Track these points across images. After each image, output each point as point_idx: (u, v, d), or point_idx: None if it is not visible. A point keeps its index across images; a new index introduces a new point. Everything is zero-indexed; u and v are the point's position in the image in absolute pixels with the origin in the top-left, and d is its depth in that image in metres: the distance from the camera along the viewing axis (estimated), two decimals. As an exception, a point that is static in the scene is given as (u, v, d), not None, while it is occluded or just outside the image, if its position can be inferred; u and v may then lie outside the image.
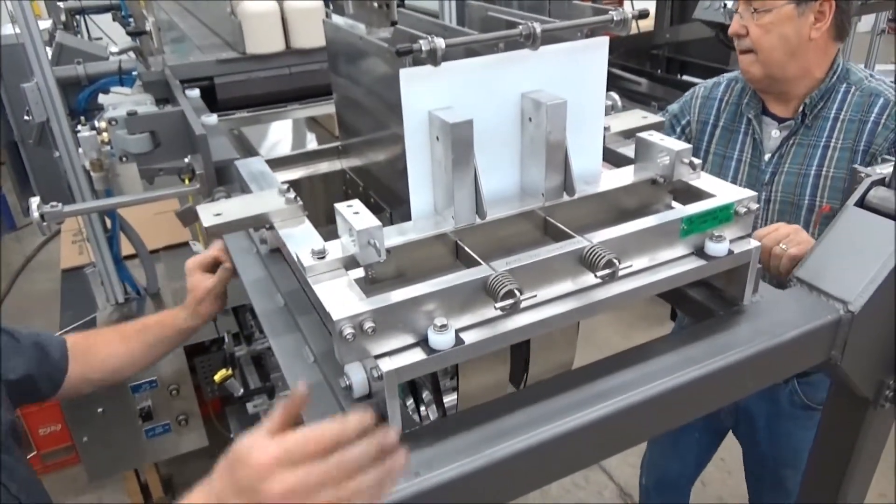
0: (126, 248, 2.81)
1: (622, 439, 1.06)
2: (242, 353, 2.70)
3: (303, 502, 0.77)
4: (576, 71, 1.14)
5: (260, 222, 1.16)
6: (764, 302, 1.17)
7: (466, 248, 1.05)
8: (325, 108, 2.48)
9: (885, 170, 1.24)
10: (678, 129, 2.20)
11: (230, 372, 2.51)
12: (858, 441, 1.28)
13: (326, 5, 2.56)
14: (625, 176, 1.23)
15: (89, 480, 2.81)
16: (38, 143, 2.46)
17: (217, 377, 2.49)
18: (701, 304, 1.22)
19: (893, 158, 1.25)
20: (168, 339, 1.55)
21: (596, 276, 1.00)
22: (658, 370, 1.03)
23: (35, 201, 1.61)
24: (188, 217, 1.64)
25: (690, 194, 1.19)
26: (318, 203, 1.59)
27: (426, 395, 1.39)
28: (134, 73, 2.42)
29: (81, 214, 2.50)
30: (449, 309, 0.93)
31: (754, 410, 2.27)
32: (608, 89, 1.24)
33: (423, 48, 0.97)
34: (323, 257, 0.99)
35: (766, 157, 2.02)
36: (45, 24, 3.26)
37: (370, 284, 1.03)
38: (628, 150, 1.31)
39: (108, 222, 2.69)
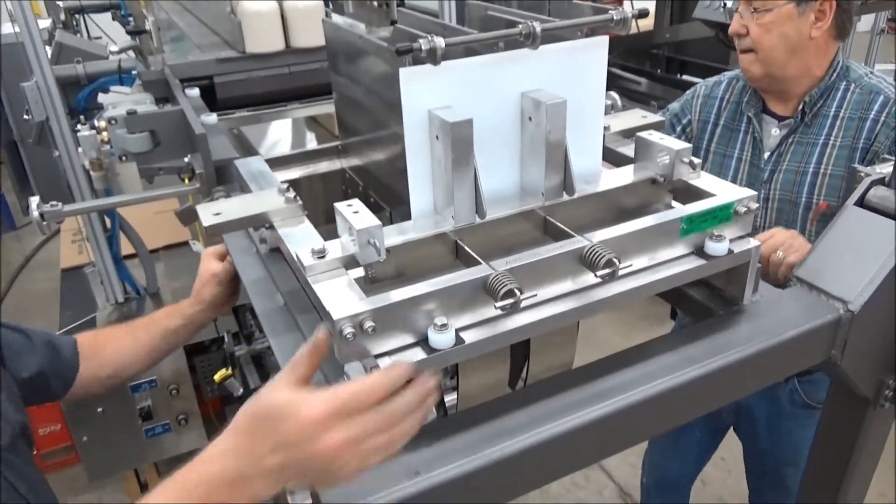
0: (126, 247, 2.80)
1: (622, 439, 1.05)
2: (242, 353, 2.70)
3: (355, 452, 0.80)
4: (576, 70, 1.14)
5: (259, 222, 1.16)
6: (764, 301, 1.17)
7: (466, 248, 1.05)
8: (325, 108, 2.48)
9: (884, 169, 1.24)
10: (679, 129, 2.20)
11: (230, 371, 2.51)
12: (858, 440, 1.28)
13: (326, 4, 2.56)
14: (625, 175, 1.23)
15: (89, 480, 2.81)
16: (38, 143, 2.46)
17: (217, 377, 2.49)
18: (701, 304, 1.21)
19: (894, 157, 1.25)
20: (175, 329, 1.55)
21: (596, 275, 0.99)
22: (658, 370, 1.03)
23: (35, 201, 1.61)
24: (188, 216, 1.64)
25: (690, 194, 1.19)
26: (318, 202, 1.59)
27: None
28: (133, 72, 2.42)
29: (81, 214, 2.50)
30: (449, 308, 0.93)
31: (755, 409, 2.28)
32: (608, 89, 1.24)
33: (423, 47, 0.96)
34: (323, 257, 0.99)
35: (766, 155, 2.02)
36: (45, 23, 3.25)
37: (370, 284, 1.03)
38: (628, 150, 1.31)
39: (108, 222, 2.69)
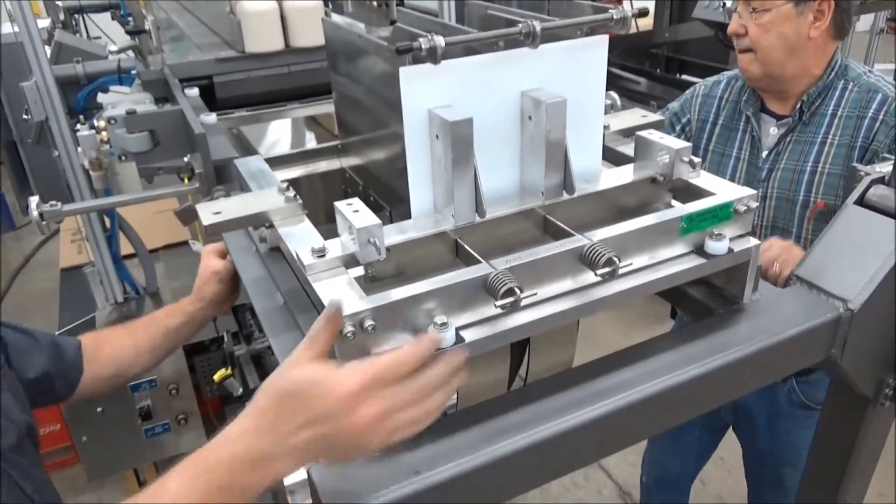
0: (125, 247, 2.80)
1: (622, 437, 1.05)
2: (242, 353, 2.70)
3: (385, 426, 0.81)
4: (575, 69, 1.14)
5: (259, 221, 1.16)
6: (764, 300, 1.17)
7: (466, 247, 1.05)
8: (325, 108, 2.48)
9: (884, 168, 1.24)
10: (678, 128, 2.20)
11: (229, 371, 2.51)
12: (858, 440, 1.28)
13: (326, 4, 2.55)
14: (624, 174, 1.23)
15: (89, 480, 2.81)
16: (37, 143, 2.46)
17: (216, 377, 2.49)
18: (701, 303, 1.21)
19: (894, 156, 1.25)
20: (176, 328, 1.55)
21: (596, 274, 0.99)
22: (658, 368, 1.02)
23: (34, 200, 1.61)
24: (187, 216, 1.64)
25: (690, 192, 1.19)
26: (318, 202, 1.60)
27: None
28: (133, 71, 2.42)
29: (80, 213, 2.49)
30: (449, 307, 0.93)
31: (753, 409, 2.28)
32: (607, 89, 1.24)
33: (423, 46, 0.96)
34: (323, 255, 0.99)
35: (764, 154, 2.02)
36: (44, 22, 3.25)
37: (370, 283, 1.03)
38: (628, 149, 1.32)
39: (108, 221, 2.69)
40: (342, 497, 0.85)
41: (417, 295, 0.90)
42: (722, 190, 1.15)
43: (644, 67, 4.97)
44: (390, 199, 1.36)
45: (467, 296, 0.94)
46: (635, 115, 1.45)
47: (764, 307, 1.16)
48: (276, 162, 1.64)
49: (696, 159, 1.18)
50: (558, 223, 1.11)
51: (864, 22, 5.03)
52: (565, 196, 1.14)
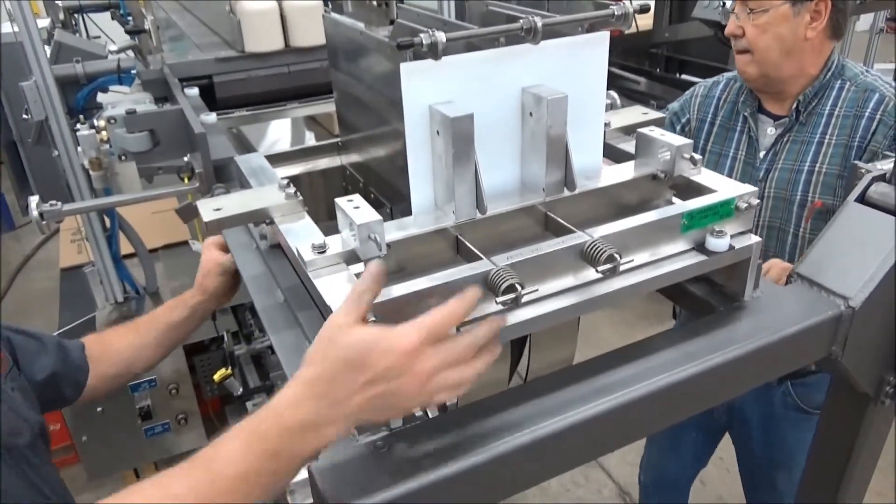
0: (125, 246, 2.80)
1: (622, 435, 1.05)
2: (242, 352, 2.70)
3: (436, 381, 0.83)
4: (576, 66, 1.14)
5: (260, 217, 1.16)
6: (764, 298, 1.17)
7: (467, 243, 1.05)
8: (325, 107, 2.48)
9: (885, 165, 1.24)
10: (678, 128, 2.21)
11: (229, 371, 2.51)
12: (859, 438, 1.28)
13: (325, 4, 2.55)
14: (625, 171, 1.23)
15: (88, 480, 2.81)
16: (37, 142, 2.46)
17: (216, 376, 2.49)
18: (701, 300, 1.21)
19: (894, 154, 1.25)
20: (179, 322, 1.56)
21: (597, 270, 0.99)
22: (658, 366, 1.02)
23: (34, 200, 1.61)
24: (188, 213, 1.64)
25: (691, 189, 1.19)
26: (318, 199, 1.59)
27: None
28: (133, 71, 2.42)
29: (80, 213, 2.50)
30: (450, 303, 0.93)
31: (748, 411, 2.28)
32: (607, 88, 1.24)
33: (424, 42, 0.96)
34: (323, 252, 0.99)
35: (761, 154, 2.02)
36: (44, 22, 3.25)
37: (371, 279, 1.03)
38: (629, 146, 1.31)
39: (107, 221, 2.69)
40: (342, 496, 0.84)
41: (418, 291, 0.90)
42: (723, 187, 1.15)
43: (644, 67, 4.98)
44: (391, 196, 1.36)
45: (468, 292, 0.94)
46: (636, 113, 1.45)
47: (765, 304, 1.15)
48: (276, 159, 1.64)
49: (697, 156, 1.18)
50: (559, 220, 1.11)
51: (863, 22, 5.03)
52: (566, 193, 1.14)
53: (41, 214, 1.60)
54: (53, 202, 1.62)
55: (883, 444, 1.33)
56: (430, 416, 1.32)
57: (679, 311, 2.46)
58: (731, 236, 1.11)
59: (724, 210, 1.11)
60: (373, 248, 0.96)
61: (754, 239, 1.13)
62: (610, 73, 1.18)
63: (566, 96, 1.06)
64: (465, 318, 0.87)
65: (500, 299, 0.92)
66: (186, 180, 1.86)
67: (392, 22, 1.35)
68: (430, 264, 1.04)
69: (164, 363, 2.65)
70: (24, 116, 2.41)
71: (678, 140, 1.18)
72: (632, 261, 1.04)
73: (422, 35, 0.97)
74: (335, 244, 1.00)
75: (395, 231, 1.04)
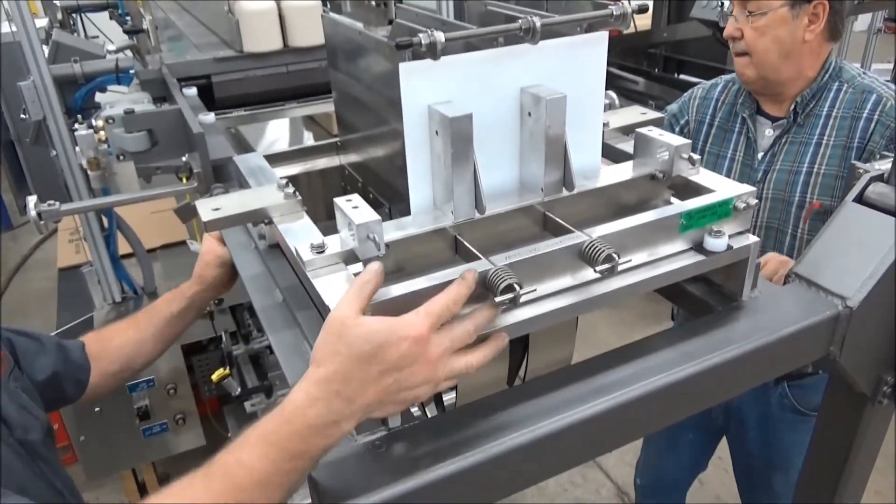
0: (123, 246, 2.80)
1: (620, 435, 1.05)
2: (240, 353, 2.71)
3: (446, 365, 0.86)
4: (575, 66, 1.14)
5: (258, 217, 1.16)
6: (762, 297, 1.17)
7: (466, 243, 1.05)
8: (323, 107, 2.48)
9: (883, 166, 1.24)
10: (677, 129, 2.22)
11: (228, 371, 2.51)
12: (856, 438, 1.28)
13: (324, 4, 2.55)
14: (624, 171, 1.23)
15: (87, 479, 2.80)
16: (35, 142, 2.46)
17: (214, 376, 2.50)
18: (699, 300, 1.21)
19: (892, 155, 1.25)
20: (178, 314, 1.56)
21: (595, 270, 0.99)
22: (657, 365, 1.02)
23: (32, 200, 1.61)
24: (186, 213, 1.64)
25: (689, 189, 1.19)
26: (317, 199, 1.59)
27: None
28: (131, 71, 2.42)
29: (78, 213, 2.49)
30: (448, 303, 0.93)
31: (745, 412, 2.28)
32: (606, 88, 1.24)
33: (423, 42, 0.96)
34: (322, 251, 0.98)
35: (759, 155, 2.03)
36: (42, 22, 3.25)
37: (369, 279, 1.03)
38: (627, 146, 1.31)
39: (105, 221, 2.69)
40: (341, 496, 0.84)
41: (417, 290, 0.90)
42: (721, 187, 1.15)
43: (642, 67, 4.99)
44: (390, 196, 1.36)
45: (466, 292, 0.94)
46: (635, 113, 1.45)
47: (763, 304, 1.15)
48: (275, 159, 1.64)
49: (696, 156, 1.18)
50: (558, 220, 1.11)
51: (861, 22, 5.04)
52: (565, 193, 1.14)
53: (39, 214, 1.60)
54: (51, 202, 1.62)
55: (881, 443, 1.34)
56: (429, 415, 1.33)
57: (677, 313, 2.46)
58: (730, 236, 1.11)
59: (723, 210, 1.11)
60: (371, 248, 0.96)
61: (752, 239, 1.13)
62: (608, 73, 1.18)
63: (565, 96, 1.06)
64: (468, 296, 0.88)
65: (498, 299, 0.92)
66: (185, 180, 1.86)
67: (391, 22, 1.35)
68: (429, 264, 1.04)
69: (162, 363, 2.66)
70: (22, 116, 2.41)
71: (676, 140, 1.18)
72: (630, 261, 1.04)
73: (420, 35, 0.97)
74: (334, 244, 1.00)
75: (393, 231, 1.04)
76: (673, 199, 1.23)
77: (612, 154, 1.35)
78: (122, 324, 1.57)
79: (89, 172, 2.01)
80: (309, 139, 2.50)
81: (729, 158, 2.10)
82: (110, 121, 1.86)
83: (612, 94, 1.55)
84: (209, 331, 2.64)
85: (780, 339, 1.08)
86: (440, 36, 0.97)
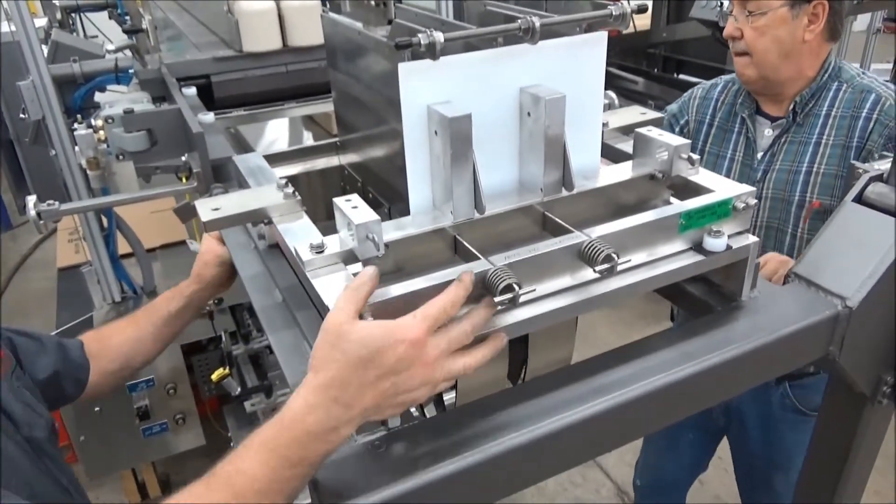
0: (123, 246, 2.80)
1: (620, 435, 1.05)
2: (240, 352, 2.70)
3: (443, 367, 0.86)
4: (574, 66, 1.14)
5: (258, 217, 1.16)
6: (762, 297, 1.17)
7: (465, 243, 1.05)
8: (323, 107, 2.48)
9: (883, 166, 1.24)
10: (677, 129, 2.22)
11: (227, 371, 2.51)
12: (856, 438, 1.28)
13: (323, 3, 2.55)
14: (623, 171, 1.23)
15: (87, 479, 2.80)
16: (34, 142, 2.46)
17: (214, 376, 2.49)
18: (699, 300, 1.21)
19: (891, 154, 1.25)
20: (177, 312, 1.56)
21: (595, 270, 0.99)
22: (656, 365, 1.02)
23: (31, 200, 1.61)
24: (186, 213, 1.64)
25: (689, 189, 1.19)
26: (317, 199, 1.59)
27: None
28: (130, 71, 2.42)
29: (78, 213, 2.49)
30: (447, 303, 0.93)
31: (746, 412, 2.28)
32: (605, 88, 1.24)
33: (422, 42, 0.96)
34: (321, 251, 0.98)
35: (759, 155, 2.03)
36: (41, 21, 3.24)
37: (368, 279, 1.03)
38: (626, 146, 1.31)
39: (105, 221, 2.69)
40: (341, 496, 0.85)
41: (416, 290, 0.90)
42: (720, 187, 1.15)
43: (641, 67, 4.99)
44: (389, 197, 1.36)
45: (466, 292, 0.94)
46: (634, 113, 1.45)
47: (762, 304, 1.15)
48: (274, 159, 1.64)
49: (695, 156, 1.18)
50: (557, 220, 1.11)
51: (860, 22, 5.04)
52: (564, 193, 1.14)
53: (39, 214, 1.60)
54: (51, 202, 1.62)
55: (880, 443, 1.34)
56: (428, 415, 1.33)
57: (676, 314, 2.46)
58: (729, 236, 1.11)
59: (722, 210, 1.11)
60: (371, 248, 0.96)
61: (752, 239, 1.12)
62: (608, 73, 1.18)
63: (564, 96, 1.06)
64: (465, 298, 0.88)
65: (497, 299, 0.92)
66: (184, 180, 1.85)
67: (390, 22, 1.35)
68: (428, 264, 1.04)
69: (162, 362, 2.66)
70: (22, 116, 2.41)
71: (676, 140, 1.18)
72: (629, 261, 1.04)
73: (420, 35, 0.97)
74: (333, 244, 1.00)
75: (392, 231, 1.04)
76: (672, 199, 1.23)
77: (611, 154, 1.35)
78: (121, 322, 1.57)
79: (89, 172, 2.01)
80: (308, 139, 2.50)
81: (728, 158, 2.10)
82: (110, 120, 1.86)
83: (612, 94, 1.55)
84: (209, 330, 2.64)
85: (779, 339, 1.08)
86: (439, 36, 0.97)
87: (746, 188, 1.13)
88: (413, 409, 1.39)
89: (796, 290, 1.18)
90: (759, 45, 1.89)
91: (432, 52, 0.98)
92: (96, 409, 2.60)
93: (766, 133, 2.03)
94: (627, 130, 1.37)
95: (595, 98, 1.20)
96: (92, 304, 2.85)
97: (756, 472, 2.37)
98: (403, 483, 0.85)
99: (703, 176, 1.20)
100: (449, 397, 1.32)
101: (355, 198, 1.00)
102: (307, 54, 2.58)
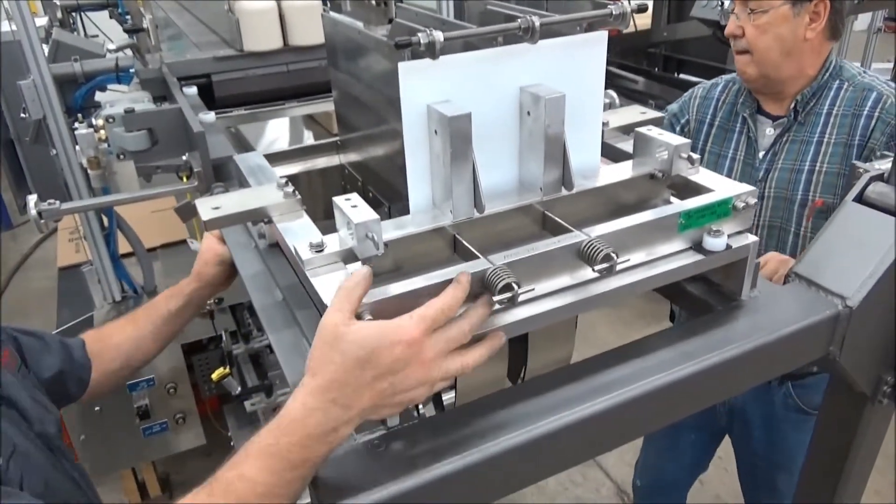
0: (123, 246, 2.80)
1: (620, 434, 1.05)
2: (240, 352, 2.70)
3: (441, 367, 0.86)
4: (574, 65, 1.13)
5: (258, 216, 1.16)
6: (762, 297, 1.17)
7: (464, 242, 1.05)
8: (323, 106, 2.48)
9: (883, 165, 1.24)
10: (677, 129, 2.22)
11: (228, 370, 2.51)
12: (856, 438, 1.28)
13: (324, 3, 2.55)
14: (623, 171, 1.23)
15: (86, 479, 2.80)
16: (35, 141, 2.46)
17: (214, 375, 2.49)
18: (699, 299, 1.21)
19: (892, 153, 1.25)
20: (177, 311, 1.56)
21: (594, 269, 0.99)
22: (656, 365, 1.02)
23: (32, 199, 1.61)
24: (187, 212, 1.64)
25: (689, 189, 1.19)
26: (317, 198, 1.59)
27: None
28: (131, 70, 2.42)
29: (78, 212, 2.50)
30: (447, 302, 0.93)
31: (749, 412, 2.28)
32: (605, 87, 1.24)
33: (422, 41, 0.96)
34: (321, 250, 0.98)
35: (761, 154, 2.03)
36: (42, 21, 3.25)
37: (368, 278, 1.03)
38: (627, 146, 1.31)
39: (105, 220, 2.69)
40: (340, 495, 0.84)
41: (415, 290, 0.90)
42: (720, 186, 1.15)
43: (642, 66, 4.98)
44: (389, 196, 1.36)
45: (465, 291, 0.94)
46: (634, 112, 1.45)
47: (762, 304, 1.15)
48: (275, 158, 1.64)
49: (695, 156, 1.18)
50: (556, 219, 1.11)
51: (861, 21, 5.04)
52: (564, 192, 1.14)
53: (39, 213, 1.60)
54: (51, 201, 1.62)
55: (881, 443, 1.33)
56: (427, 415, 1.33)
57: (677, 315, 2.46)
58: (729, 236, 1.11)
59: (722, 209, 1.11)
60: (370, 247, 0.96)
61: (751, 238, 1.12)
62: (608, 73, 1.18)
63: (564, 96, 1.06)
64: (462, 300, 0.88)
65: (496, 298, 0.92)
66: (185, 179, 1.86)
67: (391, 21, 1.35)
68: (428, 263, 1.04)
69: (162, 362, 2.66)
70: (22, 115, 2.41)
71: (676, 139, 1.18)
72: (628, 260, 1.04)
73: (419, 34, 0.97)
74: (333, 243, 1.00)
75: (392, 230, 1.04)
76: (672, 199, 1.23)
77: (611, 153, 1.34)
78: (120, 321, 1.58)
79: (89, 171, 2.01)
80: (309, 138, 2.50)
81: (730, 158, 2.10)
82: (110, 120, 1.86)
83: (613, 93, 1.55)
84: (209, 330, 2.64)
85: (779, 339, 1.08)
86: (439, 35, 0.97)
87: (746, 188, 1.13)
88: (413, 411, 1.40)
89: (796, 289, 1.18)
90: (761, 44, 1.89)
91: (432, 51, 0.98)
92: (96, 408, 2.61)
93: (768, 132, 2.03)
94: (628, 130, 1.37)
95: (595, 97, 1.20)
96: (92, 304, 2.85)
97: (759, 472, 2.37)
98: (402, 482, 0.85)
99: (703, 175, 1.20)
100: (448, 397, 1.32)
101: (355, 197, 1.00)
102: (308, 53, 2.58)
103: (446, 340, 0.86)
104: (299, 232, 1.08)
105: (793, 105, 1.96)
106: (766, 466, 2.33)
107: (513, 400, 0.98)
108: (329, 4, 2.55)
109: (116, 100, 2.04)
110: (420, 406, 1.36)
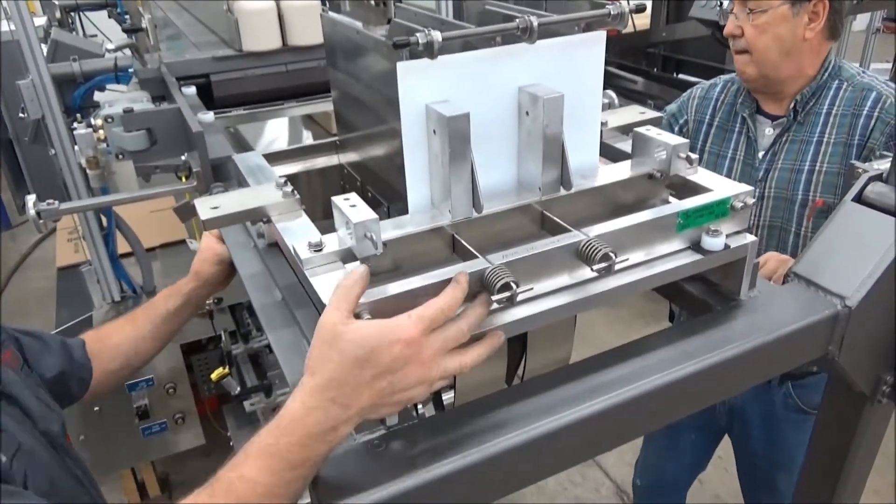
0: (122, 245, 2.80)
1: (619, 434, 1.05)
2: (239, 352, 2.70)
3: (439, 366, 0.86)
4: (573, 65, 1.14)
5: (257, 216, 1.16)
6: (761, 297, 1.17)
7: (463, 242, 1.05)
8: (322, 106, 2.48)
9: (882, 165, 1.24)
10: (676, 129, 2.22)
11: (227, 370, 2.51)
12: (855, 437, 1.28)
13: (323, 3, 2.55)
14: (622, 170, 1.23)
15: (86, 479, 2.80)
16: (34, 141, 2.46)
17: (214, 375, 2.49)
18: (697, 299, 1.21)
19: (891, 153, 1.25)
20: (176, 310, 1.56)
21: (592, 269, 0.99)
22: (655, 364, 1.02)
23: (31, 199, 1.61)
24: (186, 212, 1.64)
25: (687, 189, 1.19)
26: (316, 198, 1.59)
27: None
28: (130, 70, 2.42)
29: (77, 212, 2.50)
30: (446, 302, 0.92)
31: (749, 412, 2.28)
32: (604, 88, 1.24)
33: (420, 41, 0.96)
34: (320, 250, 0.98)
35: (760, 154, 2.03)
36: (40, 20, 3.25)
37: (367, 278, 1.03)
38: (625, 146, 1.31)
39: (104, 220, 2.69)
40: (340, 494, 0.84)
41: (414, 289, 0.90)
42: (719, 186, 1.15)
43: (641, 66, 4.98)
44: (388, 196, 1.36)
45: (463, 291, 0.94)
46: (633, 112, 1.45)
47: (761, 304, 1.15)
48: (274, 158, 1.64)
49: (694, 156, 1.18)
50: (555, 219, 1.11)
51: (860, 21, 5.04)
52: (562, 192, 1.14)
53: (38, 213, 1.60)
54: (50, 201, 1.62)
55: (880, 443, 1.34)
56: (427, 415, 1.33)
57: (675, 314, 2.46)
58: (727, 235, 1.11)
59: (720, 209, 1.11)
60: (369, 247, 0.96)
61: (750, 238, 1.12)
62: (607, 73, 1.18)
63: (562, 95, 1.06)
64: (461, 301, 0.88)
65: (495, 298, 0.92)
66: (184, 179, 1.85)
67: (389, 21, 1.35)
68: (427, 263, 1.04)
69: (162, 362, 2.66)
70: (21, 115, 2.41)
71: (674, 139, 1.18)
72: (627, 260, 1.04)
73: (418, 34, 0.97)
74: (332, 242, 1.00)
75: (391, 229, 1.04)
76: (671, 199, 1.23)
77: (610, 153, 1.34)
78: (119, 321, 1.58)
79: (88, 171, 2.01)
80: (308, 138, 2.51)
81: (729, 158, 2.10)
82: (109, 120, 1.86)
83: (612, 93, 1.55)
84: (208, 330, 2.64)
85: (778, 339, 1.08)
86: (437, 35, 0.97)
87: (745, 187, 1.13)
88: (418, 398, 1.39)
89: (796, 289, 1.18)
90: (760, 43, 1.89)
91: (430, 51, 0.98)
92: (96, 408, 2.60)
93: (767, 132, 2.03)
94: (626, 130, 1.37)
95: (594, 97, 1.20)
96: (91, 304, 2.85)
97: (759, 471, 2.37)
98: (402, 481, 0.85)
99: (701, 175, 1.20)
100: (448, 397, 1.32)
101: (354, 196, 1.00)
102: (307, 53, 2.58)
103: (445, 340, 0.86)
104: (298, 231, 1.08)
105: (792, 105, 1.96)
106: (765, 466, 2.33)
107: (512, 400, 0.98)
108: (328, 4, 2.55)
109: (115, 100, 2.04)
110: (419, 406, 1.36)
